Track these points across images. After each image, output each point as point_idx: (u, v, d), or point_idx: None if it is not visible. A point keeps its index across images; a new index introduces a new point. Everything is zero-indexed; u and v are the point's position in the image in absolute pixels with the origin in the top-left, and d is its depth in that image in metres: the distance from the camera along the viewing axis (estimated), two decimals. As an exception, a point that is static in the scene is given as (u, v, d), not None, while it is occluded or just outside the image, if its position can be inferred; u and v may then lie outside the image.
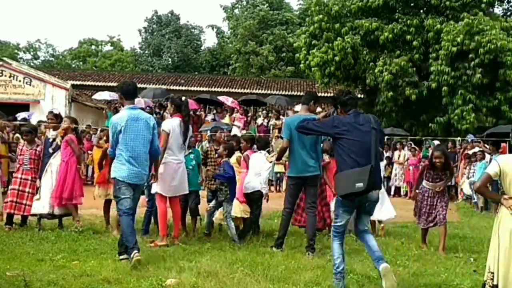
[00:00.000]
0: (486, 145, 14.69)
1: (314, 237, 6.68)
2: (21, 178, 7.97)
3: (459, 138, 17.54)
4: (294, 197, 6.95)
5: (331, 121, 5.28)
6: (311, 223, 6.73)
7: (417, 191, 7.61)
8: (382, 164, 17.37)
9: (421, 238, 7.65)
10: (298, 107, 21.84)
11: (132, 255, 5.68)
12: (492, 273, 4.37)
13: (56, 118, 8.34)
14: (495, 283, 4.34)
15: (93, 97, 21.99)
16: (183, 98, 7.38)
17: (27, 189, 7.96)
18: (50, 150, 8.12)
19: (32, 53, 53.07)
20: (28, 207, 7.93)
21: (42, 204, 7.93)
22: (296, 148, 6.65)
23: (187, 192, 7.33)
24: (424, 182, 7.44)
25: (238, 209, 7.60)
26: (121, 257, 5.95)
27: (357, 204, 5.00)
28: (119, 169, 6.02)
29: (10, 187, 8.14)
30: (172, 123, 7.04)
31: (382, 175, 5.62)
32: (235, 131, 17.38)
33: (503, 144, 13.08)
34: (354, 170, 4.84)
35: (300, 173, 6.69)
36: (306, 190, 6.87)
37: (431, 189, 7.35)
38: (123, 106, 6.34)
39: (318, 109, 7.04)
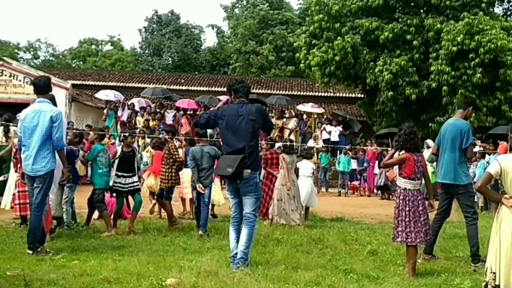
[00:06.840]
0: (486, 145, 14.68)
1: (473, 247, 6.28)
2: None
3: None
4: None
5: (219, 112, 5.69)
6: (470, 233, 6.36)
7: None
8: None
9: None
10: (300, 107, 21.86)
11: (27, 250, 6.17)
12: (495, 273, 4.36)
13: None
14: (497, 283, 4.33)
15: (96, 95, 21.87)
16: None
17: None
18: None
19: (32, 53, 52.98)
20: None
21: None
22: (441, 153, 6.66)
23: None
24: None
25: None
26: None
27: (236, 186, 5.55)
28: None
29: (18, 189, 8.01)
30: None
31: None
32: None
33: (502, 144, 13.02)
34: (228, 156, 5.48)
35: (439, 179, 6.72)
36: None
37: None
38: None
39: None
